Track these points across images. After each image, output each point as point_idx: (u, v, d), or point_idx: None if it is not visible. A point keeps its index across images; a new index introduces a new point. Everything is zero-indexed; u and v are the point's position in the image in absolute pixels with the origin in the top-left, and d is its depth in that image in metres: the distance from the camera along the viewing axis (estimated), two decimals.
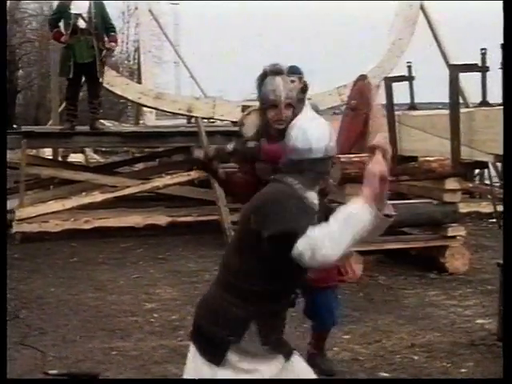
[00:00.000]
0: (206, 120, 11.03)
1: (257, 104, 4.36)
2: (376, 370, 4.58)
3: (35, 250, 8.36)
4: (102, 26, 9.01)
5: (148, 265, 7.63)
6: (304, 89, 6.57)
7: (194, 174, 9.59)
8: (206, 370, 2.68)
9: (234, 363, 2.65)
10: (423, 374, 4.50)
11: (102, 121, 15.67)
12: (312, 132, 2.73)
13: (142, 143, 10.58)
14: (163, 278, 7.00)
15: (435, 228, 7.16)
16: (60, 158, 12.54)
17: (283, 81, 4.06)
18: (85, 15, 8.89)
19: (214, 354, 2.66)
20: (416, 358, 4.77)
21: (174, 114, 11.72)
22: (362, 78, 6.93)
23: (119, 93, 10.59)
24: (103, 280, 6.96)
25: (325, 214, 2.64)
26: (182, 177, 9.61)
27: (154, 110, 13.68)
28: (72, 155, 14.17)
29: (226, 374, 2.64)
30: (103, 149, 15.85)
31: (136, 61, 19.01)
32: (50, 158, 11.67)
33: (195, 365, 2.75)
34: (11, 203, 9.25)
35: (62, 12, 8.97)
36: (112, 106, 26.96)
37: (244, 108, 7.11)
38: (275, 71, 4.08)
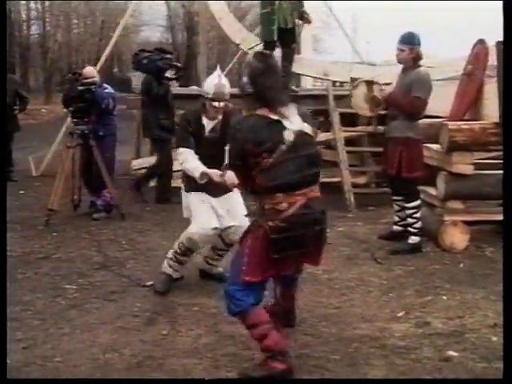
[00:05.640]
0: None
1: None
2: (446, 347, 4.36)
3: (165, 206, 8.77)
4: None
5: None
6: (416, 58, 6.31)
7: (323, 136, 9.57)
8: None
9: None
10: (495, 356, 4.22)
11: None
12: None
13: None
14: None
15: None
16: None
17: None
18: None
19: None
20: (495, 339, 4.45)
21: (311, 77, 11.76)
22: (480, 42, 6.53)
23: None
24: None
25: None
26: None
27: None
28: None
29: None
30: None
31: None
32: None
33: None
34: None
35: None
36: None
37: (353, 80, 6.98)
38: None
